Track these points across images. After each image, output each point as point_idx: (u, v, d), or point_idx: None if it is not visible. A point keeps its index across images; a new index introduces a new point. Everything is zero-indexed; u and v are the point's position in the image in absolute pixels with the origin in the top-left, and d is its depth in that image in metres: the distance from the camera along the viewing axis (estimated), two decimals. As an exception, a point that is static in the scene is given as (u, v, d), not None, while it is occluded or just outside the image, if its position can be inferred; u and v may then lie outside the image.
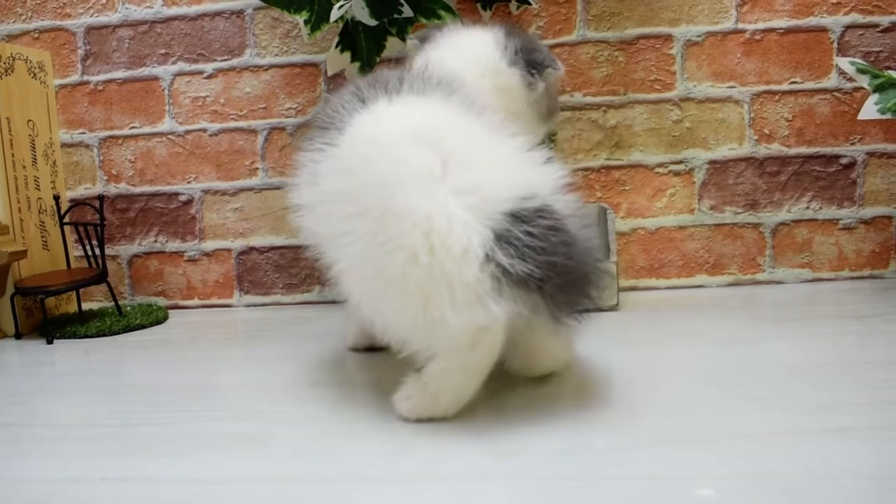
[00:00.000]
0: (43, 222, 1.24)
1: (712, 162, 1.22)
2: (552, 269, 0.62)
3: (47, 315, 1.15)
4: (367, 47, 1.08)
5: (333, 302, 1.28)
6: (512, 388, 0.76)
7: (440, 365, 0.68)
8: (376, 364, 0.90)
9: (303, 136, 0.79)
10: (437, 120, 0.69)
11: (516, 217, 0.63)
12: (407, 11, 1.01)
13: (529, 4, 1.07)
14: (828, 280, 1.22)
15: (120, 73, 1.31)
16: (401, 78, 0.73)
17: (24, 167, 1.20)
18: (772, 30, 1.19)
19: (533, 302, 0.63)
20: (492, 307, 0.62)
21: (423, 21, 1.02)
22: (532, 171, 0.67)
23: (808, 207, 1.22)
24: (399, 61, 0.91)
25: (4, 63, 1.17)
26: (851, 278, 1.22)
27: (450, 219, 0.62)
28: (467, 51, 0.86)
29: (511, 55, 0.86)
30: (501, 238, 0.62)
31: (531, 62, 0.87)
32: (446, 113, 0.70)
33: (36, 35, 1.32)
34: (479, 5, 1.15)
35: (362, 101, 0.72)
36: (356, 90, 0.73)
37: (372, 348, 0.94)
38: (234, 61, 1.27)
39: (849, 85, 1.18)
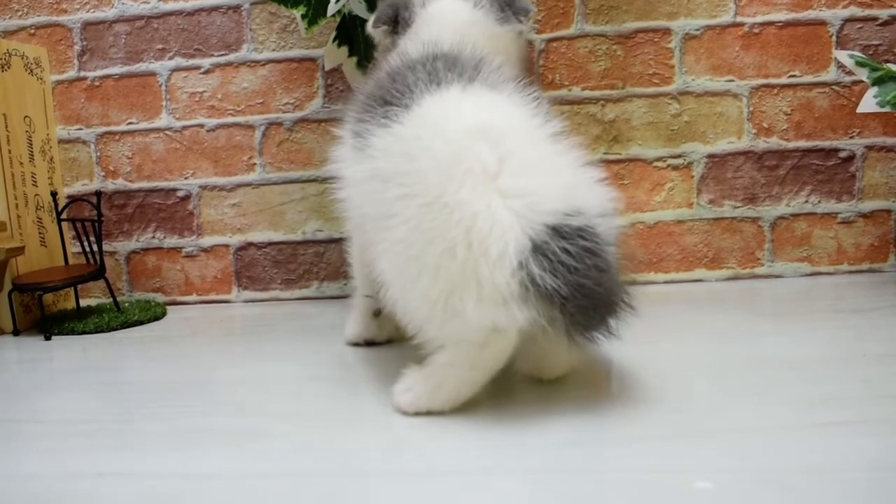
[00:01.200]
0: (40, 218, 1.24)
1: (711, 156, 1.22)
2: (579, 290, 0.62)
3: (45, 311, 1.15)
4: (364, 41, 1.08)
5: (332, 297, 1.28)
6: (511, 382, 0.76)
7: (446, 357, 0.68)
8: (375, 359, 0.90)
9: (357, 102, 0.77)
10: (504, 118, 0.69)
11: (557, 231, 0.63)
12: (404, 5, 1.01)
13: (527, -2, 1.07)
14: (827, 274, 1.22)
15: (116, 69, 1.30)
16: (477, 67, 0.73)
17: (21, 163, 1.20)
18: (770, 23, 1.19)
19: (552, 316, 0.63)
20: (514, 311, 0.62)
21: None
22: (582, 187, 0.67)
23: (806, 201, 1.22)
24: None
25: (1, 59, 1.17)
26: (850, 272, 1.22)
27: (493, 220, 0.62)
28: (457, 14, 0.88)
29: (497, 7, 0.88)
30: (538, 249, 0.62)
31: (517, 9, 0.89)
32: (514, 112, 0.70)
33: (32, 31, 1.31)
34: (476, -1, 1.15)
35: (437, 83, 0.71)
36: (432, 70, 0.73)
37: (371, 343, 0.94)
38: (232, 56, 1.27)
39: (848, 78, 1.18)
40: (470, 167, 0.64)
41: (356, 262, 0.90)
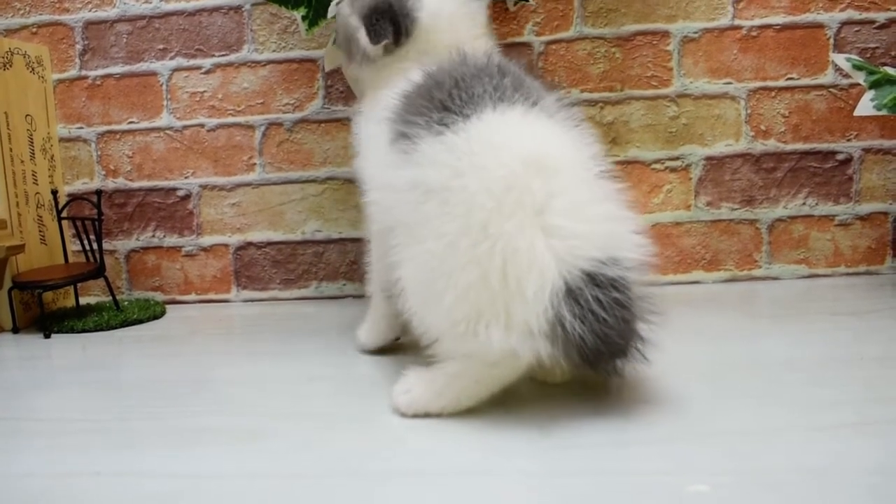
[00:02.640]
0: (41, 217, 1.24)
1: (709, 158, 1.22)
2: (603, 341, 0.63)
3: (45, 309, 1.16)
4: (364, 43, 1.08)
5: (330, 297, 1.29)
6: (508, 385, 0.76)
7: (455, 367, 0.68)
8: (374, 359, 0.90)
9: (406, 100, 0.72)
10: (559, 152, 0.67)
11: (592, 279, 0.63)
12: (404, 7, 1.01)
13: (527, 1, 1.07)
14: (824, 276, 1.23)
15: (118, 68, 1.31)
16: (541, 92, 0.71)
17: (21, 162, 1.20)
18: (768, 26, 1.19)
19: (570, 355, 0.63)
20: (537, 346, 0.63)
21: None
22: (621, 236, 0.66)
23: (804, 203, 1.22)
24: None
25: (2, 57, 1.17)
26: (847, 274, 1.22)
27: (534, 259, 0.62)
28: None
29: None
30: (571, 294, 0.62)
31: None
32: (568, 147, 0.68)
33: (34, 29, 1.32)
34: (476, 1, 1.15)
35: (502, 100, 0.68)
36: (497, 84, 0.69)
37: (382, 350, 0.93)
38: (232, 57, 1.27)
39: (845, 81, 1.19)
40: (520, 198, 0.63)
41: (376, 266, 0.87)
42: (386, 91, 0.78)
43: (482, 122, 0.66)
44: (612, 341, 0.63)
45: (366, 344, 0.92)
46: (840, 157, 1.21)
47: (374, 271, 0.88)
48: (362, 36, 0.82)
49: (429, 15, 0.82)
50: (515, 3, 1.19)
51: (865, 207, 1.21)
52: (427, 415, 0.69)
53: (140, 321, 1.18)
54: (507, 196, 0.63)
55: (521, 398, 0.72)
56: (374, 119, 0.79)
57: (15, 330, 1.16)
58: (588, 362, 0.64)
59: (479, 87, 0.69)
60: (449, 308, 0.65)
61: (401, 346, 0.93)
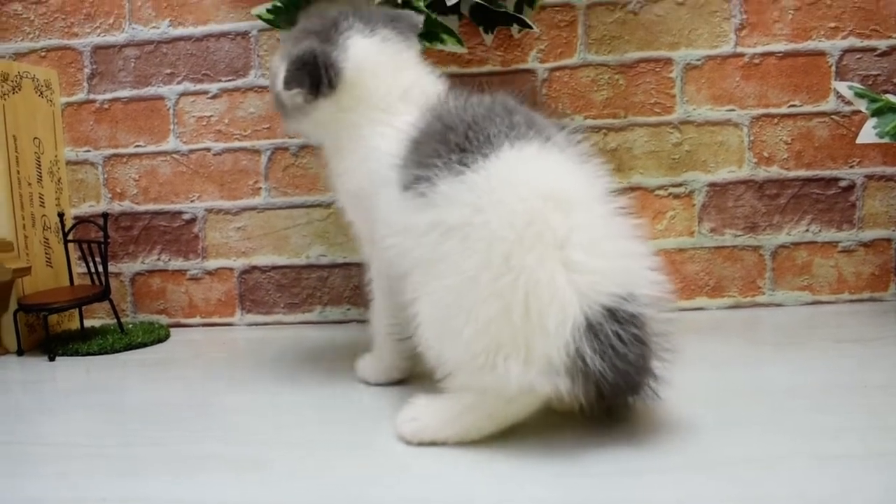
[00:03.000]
0: (47, 239, 1.25)
1: (712, 184, 1.23)
2: (622, 377, 0.63)
3: (50, 332, 1.16)
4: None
5: (334, 322, 1.29)
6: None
7: (470, 399, 0.69)
8: (378, 387, 0.90)
9: (419, 145, 0.72)
10: (577, 188, 0.68)
11: (612, 315, 0.63)
12: (410, 34, 1.02)
13: (531, 28, 1.08)
14: (828, 303, 1.23)
15: (125, 92, 1.32)
16: (552, 128, 0.72)
17: (29, 184, 1.21)
18: (770, 53, 1.20)
19: (587, 391, 0.64)
20: (556, 382, 0.63)
21: (426, 44, 1.03)
22: (639, 272, 0.67)
23: (807, 230, 1.22)
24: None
25: (12, 81, 1.18)
26: (851, 301, 1.22)
27: (555, 293, 0.63)
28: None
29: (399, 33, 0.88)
30: (592, 329, 0.63)
31: (411, 27, 0.90)
32: (586, 183, 0.69)
33: (43, 53, 1.33)
34: (480, 28, 1.16)
35: (516, 137, 0.68)
36: (510, 122, 0.70)
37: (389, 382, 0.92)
38: (239, 82, 1.29)
39: (847, 108, 1.19)
40: (541, 232, 0.64)
41: (383, 306, 0.87)
42: (351, 143, 0.83)
43: (500, 160, 0.67)
44: (631, 378, 0.64)
45: (367, 380, 0.91)
46: (843, 183, 1.21)
47: (381, 312, 0.89)
48: (279, 80, 0.82)
49: (355, 66, 0.82)
50: (520, 31, 1.20)
51: (868, 234, 1.21)
52: (433, 443, 0.69)
53: (144, 344, 1.18)
54: (528, 230, 0.64)
55: (529, 425, 0.72)
56: (361, 172, 0.81)
57: (20, 352, 1.16)
58: (606, 398, 0.65)
59: (493, 127, 0.69)
60: (468, 342, 0.65)
61: (406, 377, 0.93)
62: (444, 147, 0.69)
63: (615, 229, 0.68)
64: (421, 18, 0.90)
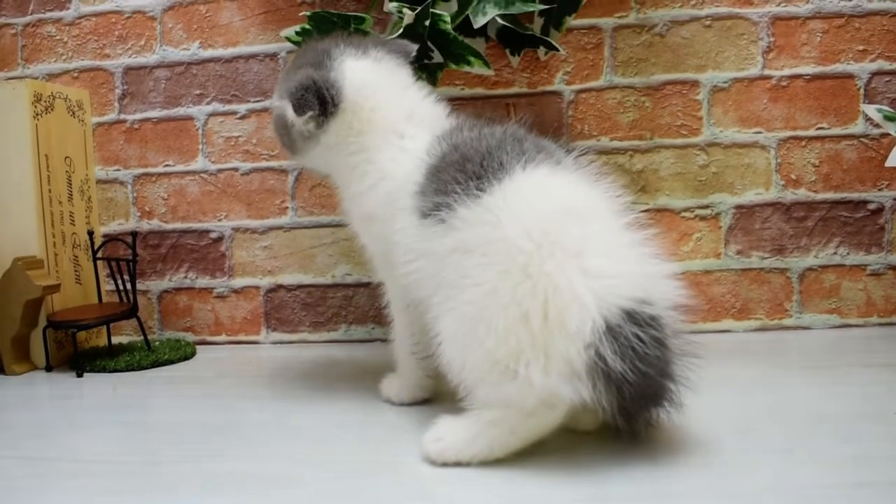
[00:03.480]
0: (76, 257, 1.26)
1: (739, 206, 1.22)
2: (643, 378, 0.64)
3: (78, 348, 1.17)
4: (396, 91, 1.10)
5: (359, 341, 1.29)
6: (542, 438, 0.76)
7: (491, 415, 0.69)
8: (403, 406, 0.90)
9: (434, 176, 0.75)
10: (591, 201, 0.71)
11: (631, 317, 0.65)
12: (437, 57, 1.03)
13: (557, 50, 1.09)
14: (856, 326, 1.21)
15: (156, 113, 1.34)
16: (560, 152, 0.76)
17: (60, 203, 1.23)
18: (798, 76, 1.20)
19: (608, 398, 0.65)
20: (577, 387, 0.64)
21: (453, 66, 1.04)
22: (655, 278, 0.69)
23: (835, 253, 1.21)
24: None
25: (45, 101, 1.21)
26: (880, 325, 1.21)
27: (574, 297, 0.65)
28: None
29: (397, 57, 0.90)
30: (612, 331, 0.64)
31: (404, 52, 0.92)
32: (598, 198, 0.72)
33: (76, 74, 1.36)
34: (507, 51, 1.17)
35: (527, 161, 0.72)
36: (520, 149, 0.73)
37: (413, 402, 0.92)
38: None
39: (876, 131, 1.19)
40: (558, 240, 0.66)
41: (406, 329, 0.89)
42: (363, 167, 0.84)
43: (514, 182, 0.71)
44: (651, 382, 0.65)
45: (392, 399, 0.92)
46: (871, 206, 1.20)
47: (401, 332, 0.90)
48: (289, 111, 0.83)
49: (353, 84, 0.85)
50: (546, 53, 1.20)
51: (898, 258, 1.20)
52: (458, 463, 0.69)
53: (171, 362, 1.19)
54: (546, 238, 0.67)
55: (551, 449, 0.72)
56: (375, 196, 0.83)
57: (48, 368, 1.17)
58: (628, 405, 0.65)
59: (505, 155, 0.73)
60: (489, 351, 0.66)
61: (430, 396, 0.93)
62: (463, 175, 0.72)
63: (630, 238, 0.70)
64: (414, 47, 0.92)
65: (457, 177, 0.73)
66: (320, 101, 0.83)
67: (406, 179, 0.79)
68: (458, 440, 0.70)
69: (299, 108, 0.82)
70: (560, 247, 0.66)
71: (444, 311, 0.71)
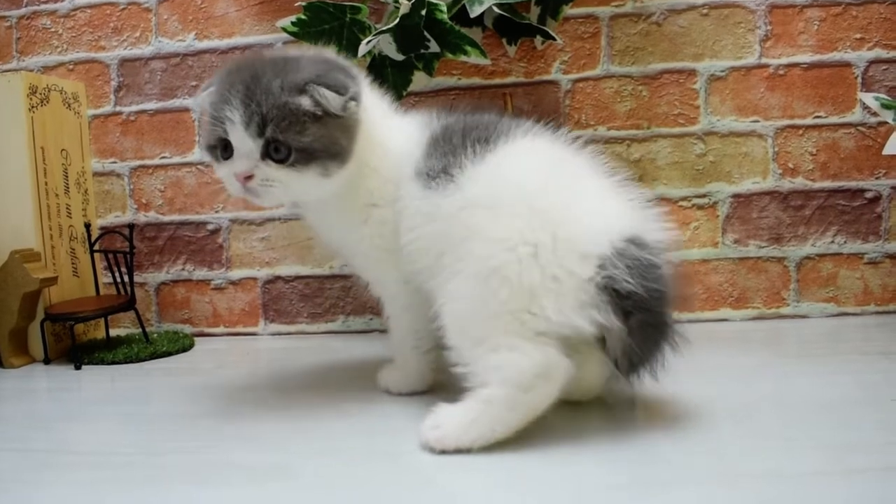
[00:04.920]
0: (73, 249, 1.26)
1: (736, 195, 1.22)
2: (652, 294, 0.69)
3: (76, 341, 1.17)
4: (394, 81, 1.10)
5: (357, 332, 1.29)
6: (536, 423, 0.76)
7: (487, 394, 0.70)
8: (408, 399, 0.90)
9: (435, 149, 0.80)
10: (575, 159, 0.79)
11: (635, 242, 0.70)
12: (433, 47, 1.03)
13: (554, 40, 1.09)
14: (853, 315, 1.21)
15: (151, 105, 1.33)
16: (532, 127, 0.81)
17: (56, 195, 1.23)
18: (795, 65, 1.20)
19: (619, 332, 0.69)
20: (592, 314, 0.68)
21: (450, 56, 1.04)
22: (647, 216, 0.75)
23: (832, 241, 1.21)
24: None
25: (40, 94, 1.20)
26: (877, 313, 1.21)
27: (580, 224, 0.71)
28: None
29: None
30: (620, 253, 0.69)
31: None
32: (585, 161, 0.79)
33: (71, 66, 1.35)
34: (504, 40, 1.17)
35: (507, 134, 0.78)
36: (503, 125, 0.80)
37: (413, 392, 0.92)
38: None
39: (873, 119, 1.18)
40: (559, 183, 0.74)
41: (404, 317, 0.89)
42: (371, 149, 0.84)
43: (516, 144, 0.78)
44: (660, 298, 0.70)
45: (390, 389, 0.91)
46: (869, 195, 1.20)
47: (405, 331, 0.90)
48: (332, 101, 0.78)
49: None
50: (543, 42, 1.20)
51: (895, 246, 1.20)
52: (458, 450, 0.69)
53: (169, 353, 1.19)
54: (548, 182, 0.74)
55: (551, 436, 0.72)
56: (386, 169, 0.85)
57: (46, 361, 1.17)
58: (636, 333, 0.69)
59: (492, 129, 0.79)
60: (504, 300, 0.69)
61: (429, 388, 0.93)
62: (469, 140, 0.78)
63: (615, 185, 0.77)
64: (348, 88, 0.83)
65: (463, 141, 0.78)
66: (350, 77, 0.82)
67: (405, 152, 0.83)
68: (456, 425, 0.70)
69: (341, 88, 0.78)
70: (563, 186, 0.74)
71: (453, 273, 0.73)
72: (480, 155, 0.76)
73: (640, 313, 0.68)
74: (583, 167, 0.78)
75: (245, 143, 0.78)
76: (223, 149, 0.81)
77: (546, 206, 0.71)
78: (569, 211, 0.72)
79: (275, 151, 0.78)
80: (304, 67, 0.80)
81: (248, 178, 0.79)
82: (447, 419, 0.71)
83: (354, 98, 0.80)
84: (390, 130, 0.86)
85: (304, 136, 0.78)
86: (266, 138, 0.77)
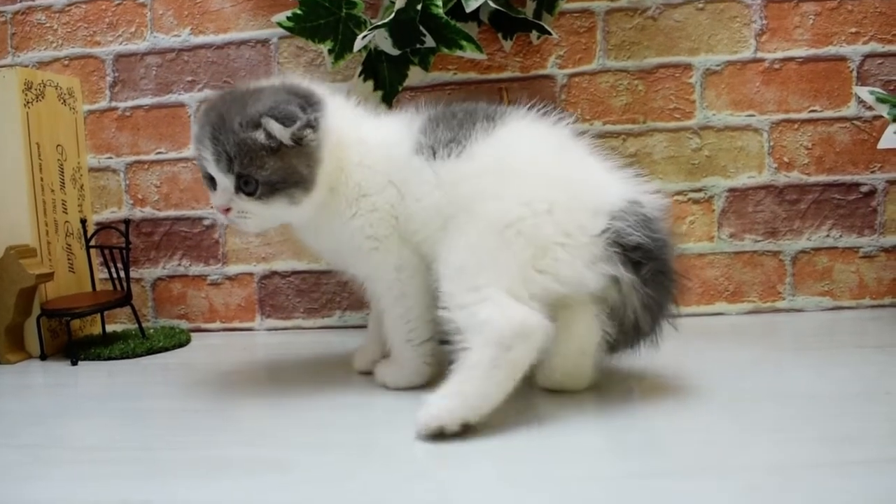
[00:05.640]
0: (69, 245, 1.26)
1: (732, 190, 1.22)
2: (658, 244, 0.77)
3: (72, 336, 1.17)
4: (389, 76, 1.10)
5: (354, 327, 1.29)
6: (530, 414, 0.77)
7: (474, 357, 0.72)
8: (398, 391, 0.90)
9: (441, 125, 0.85)
10: (575, 138, 0.86)
11: (636, 202, 0.78)
12: (429, 41, 1.03)
13: (550, 34, 1.09)
14: (848, 308, 1.22)
15: (147, 100, 1.33)
16: (520, 111, 0.86)
17: (52, 191, 1.22)
18: (791, 59, 1.20)
19: (632, 283, 0.75)
20: (603, 268, 0.75)
21: (445, 51, 1.04)
22: (641, 186, 0.81)
23: (828, 235, 1.22)
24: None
25: (35, 89, 1.20)
26: (872, 307, 1.21)
27: (591, 186, 0.79)
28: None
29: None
30: (626, 210, 0.76)
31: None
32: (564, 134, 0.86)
33: (66, 62, 1.35)
34: (499, 35, 1.17)
35: (502, 117, 0.85)
36: (495, 109, 0.86)
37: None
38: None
39: (868, 113, 1.19)
40: (569, 154, 0.82)
41: (409, 305, 0.89)
42: (354, 148, 0.87)
43: (517, 122, 0.84)
44: (666, 249, 0.78)
45: (387, 384, 0.91)
46: (864, 189, 1.21)
47: (398, 322, 0.89)
48: (274, 128, 0.80)
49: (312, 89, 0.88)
50: (539, 37, 1.20)
51: (890, 240, 1.21)
52: (464, 423, 0.71)
53: (165, 349, 1.19)
54: (558, 152, 0.82)
55: (544, 430, 0.72)
56: (380, 157, 0.88)
57: (43, 357, 1.17)
58: (645, 293, 0.76)
59: (496, 110, 0.86)
60: (516, 252, 0.75)
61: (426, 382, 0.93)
62: (472, 120, 0.84)
63: (602, 161, 0.84)
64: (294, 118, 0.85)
65: (466, 121, 0.84)
66: (306, 103, 0.84)
67: (394, 141, 0.87)
68: (450, 401, 0.71)
69: (289, 119, 0.80)
70: (567, 154, 0.82)
71: (461, 230, 0.78)
72: (489, 128, 0.82)
73: (651, 262, 0.76)
74: (582, 146, 0.85)
75: (221, 178, 0.83)
76: (210, 181, 0.86)
77: (558, 171, 0.79)
78: (579, 175, 0.80)
79: (245, 185, 0.83)
80: (261, 100, 0.82)
81: (227, 210, 0.84)
82: (439, 399, 0.72)
83: (311, 125, 0.82)
84: (370, 129, 0.90)
85: (264, 170, 0.82)
86: (235, 174, 0.82)
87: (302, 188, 0.83)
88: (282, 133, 0.80)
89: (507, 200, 0.77)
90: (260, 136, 0.80)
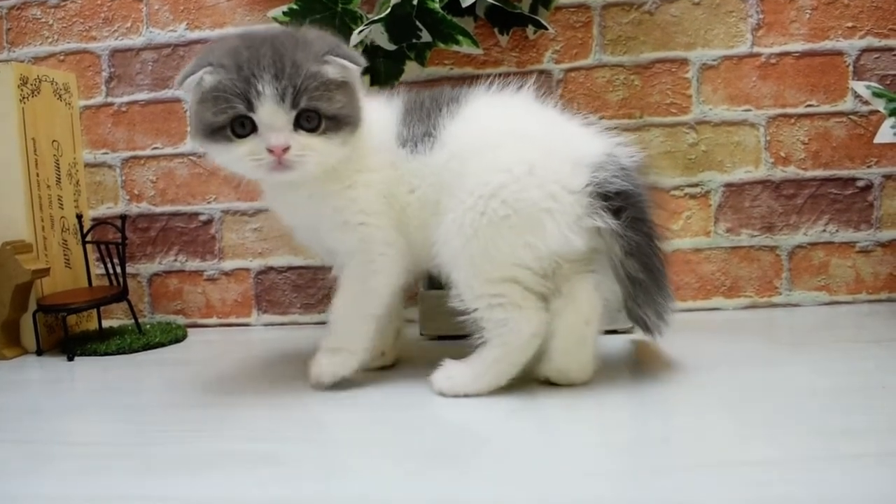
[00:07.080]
0: (65, 241, 1.26)
1: (728, 185, 1.22)
2: (637, 191, 0.79)
3: (68, 332, 1.17)
4: (386, 71, 1.10)
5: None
6: (530, 411, 0.77)
7: (492, 355, 0.81)
8: (393, 384, 0.90)
9: (414, 117, 0.87)
10: (544, 107, 0.88)
11: (613, 155, 0.81)
12: (425, 36, 1.03)
13: (546, 29, 1.08)
14: (845, 303, 1.22)
15: (143, 95, 1.33)
16: (482, 89, 0.88)
17: (48, 186, 1.22)
18: (787, 53, 1.20)
19: (615, 230, 0.78)
20: (587, 223, 0.78)
21: (442, 46, 1.03)
22: (618, 142, 0.84)
23: (824, 230, 1.22)
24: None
25: (31, 85, 1.20)
26: (869, 301, 1.22)
27: (566, 141, 0.82)
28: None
29: None
30: (604, 163, 0.79)
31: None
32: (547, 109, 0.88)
33: (62, 57, 1.35)
34: (496, 30, 1.16)
35: (489, 89, 0.88)
36: (460, 91, 0.88)
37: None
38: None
39: (865, 108, 1.19)
40: (536, 117, 0.85)
41: (395, 277, 0.88)
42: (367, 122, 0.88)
43: (483, 98, 0.87)
44: (645, 193, 0.81)
45: (323, 381, 0.89)
46: (860, 183, 1.21)
47: (379, 290, 0.88)
48: (347, 65, 0.83)
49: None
50: (535, 32, 1.20)
51: (886, 234, 1.21)
52: (466, 395, 0.81)
53: (162, 344, 1.19)
54: (524, 117, 0.84)
55: (541, 426, 0.72)
56: (382, 129, 0.88)
57: (39, 352, 1.17)
58: (629, 233, 0.78)
59: (459, 91, 0.88)
60: (512, 226, 0.78)
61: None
62: (438, 107, 0.86)
63: (574, 121, 0.87)
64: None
65: (434, 109, 0.86)
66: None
67: (382, 126, 0.88)
68: (467, 378, 0.82)
69: (357, 59, 0.85)
70: (540, 120, 0.84)
71: (455, 216, 0.80)
72: (455, 111, 0.85)
73: (630, 209, 0.78)
74: (550, 108, 0.87)
75: (278, 115, 0.79)
76: (238, 127, 0.81)
77: (531, 132, 0.81)
78: (551, 133, 0.82)
79: (306, 121, 0.81)
80: (314, 41, 0.83)
81: (286, 150, 0.80)
82: (458, 373, 0.82)
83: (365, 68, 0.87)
84: (368, 106, 0.89)
85: (334, 104, 0.81)
86: (300, 109, 0.80)
87: (352, 127, 0.84)
88: (354, 70, 0.83)
89: (486, 172, 0.79)
90: (330, 70, 0.82)
